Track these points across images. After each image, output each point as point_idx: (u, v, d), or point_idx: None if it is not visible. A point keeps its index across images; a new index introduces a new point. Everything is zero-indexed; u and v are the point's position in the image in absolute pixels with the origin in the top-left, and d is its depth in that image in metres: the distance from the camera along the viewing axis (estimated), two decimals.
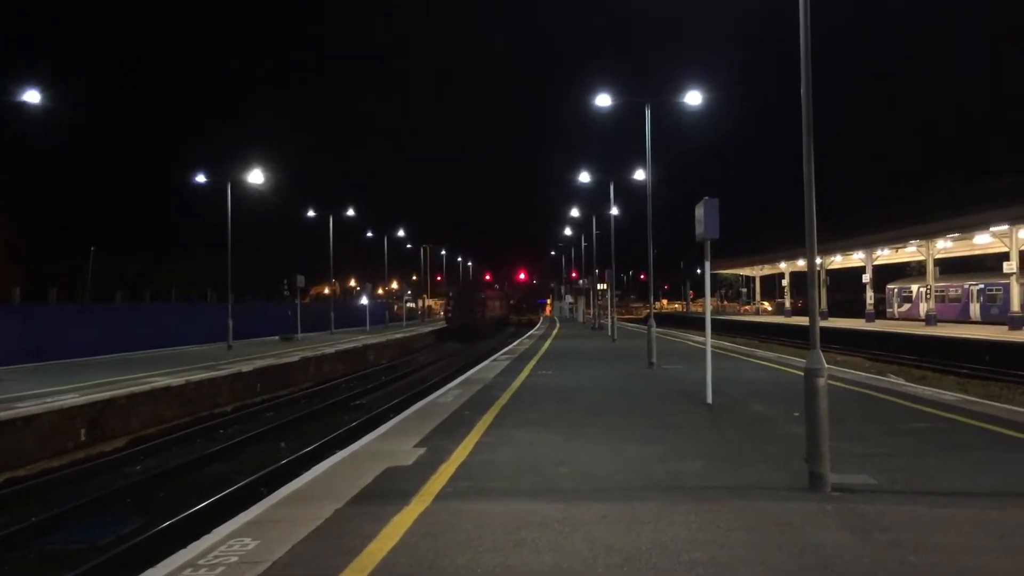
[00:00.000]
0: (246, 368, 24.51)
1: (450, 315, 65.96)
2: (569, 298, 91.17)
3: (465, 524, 6.63)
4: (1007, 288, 40.20)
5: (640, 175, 30.74)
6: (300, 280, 43.72)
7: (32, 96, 22.63)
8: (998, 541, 6.06)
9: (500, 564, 5.60)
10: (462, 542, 6.13)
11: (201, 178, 35.54)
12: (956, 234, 42.20)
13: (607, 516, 6.85)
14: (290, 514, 7.10)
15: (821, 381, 7.81)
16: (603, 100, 22.65)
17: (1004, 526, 6.45)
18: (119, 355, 30.00)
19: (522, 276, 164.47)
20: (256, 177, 34.38)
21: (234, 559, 5.82)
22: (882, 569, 5.45)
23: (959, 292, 50.73)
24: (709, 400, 14.02)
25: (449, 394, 16.65)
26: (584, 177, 38.37)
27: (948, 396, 15.39)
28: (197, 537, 6.74)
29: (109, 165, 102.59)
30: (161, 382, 19.91)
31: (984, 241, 42.79)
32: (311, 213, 54.05)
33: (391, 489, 7.98)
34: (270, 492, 8.55)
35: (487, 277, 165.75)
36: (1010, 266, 37.73)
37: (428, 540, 6.19)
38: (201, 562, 5.80)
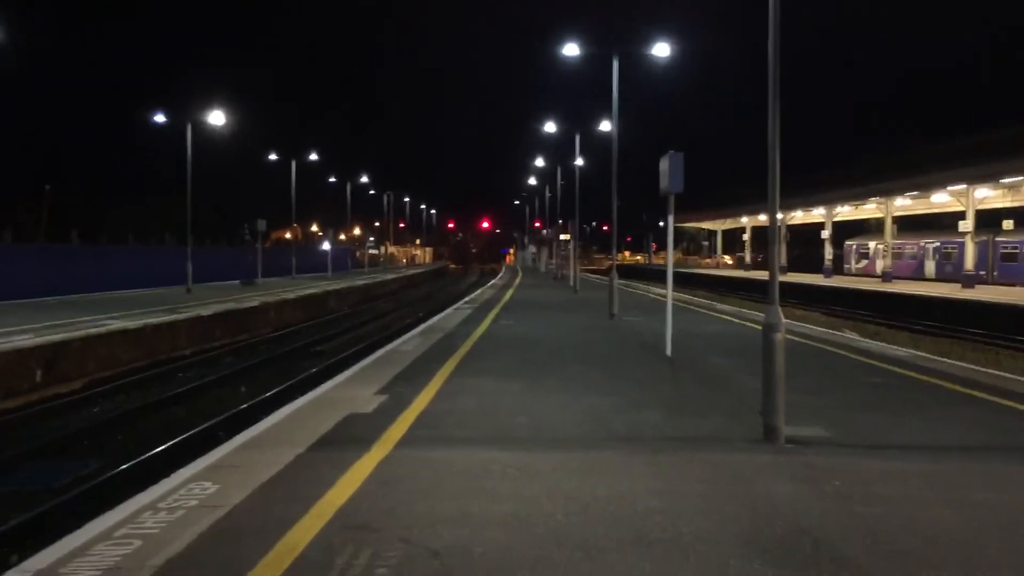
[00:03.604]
0: (205, 312, 24.29)
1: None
2: (532, 248, 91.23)
3: (424, 472, 6.70)
4: (962, 247, 40.94)
5: (607, 127, 30.60)
6: (261, 224, 43.28)
7: None
8: (941, 493, 6.26)
9: (459, 511, 5.67)
10: (421, 489, 6.19)
11: (160, 118, 34.77)
12: (915, 192, 42.77)
13: (565, 465, 6.95)
14: (250, 459, 7.11)
15: (779, 336, 7.94)
16: (570, 50, 22.44)
17: (947, 479, 6.67)
18: (74, 296, 29.56)
19: (485, 225, 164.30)
20: (217, 118, 33.75)
21: (194, 503, 5.83)
22: (830, 519, 5.61)
23: (915, 249, 51.56)
24: (668, 352, 14.19)
25: (410, 342, 16.68)
26: (550, 127, 38.16)
27: (900, 352, 15.72)
28: (156, 481, 6.73)
29: (68, 104, 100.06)
30: (118, 324, 19.69)
31: (942, 200, 43.42)
32: (273, 157, 53.30)
33: (351, 436, 8.02)
34: (229, 437, 8.54)
35: (450, 225, 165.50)
36: (965, 225, 38.38)
37: (387, 487, 6.24)
38: (161, 505, 5.80)
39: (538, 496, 6.06)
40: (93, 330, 18.44)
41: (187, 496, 6.00)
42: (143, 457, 11.06)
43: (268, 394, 15.68)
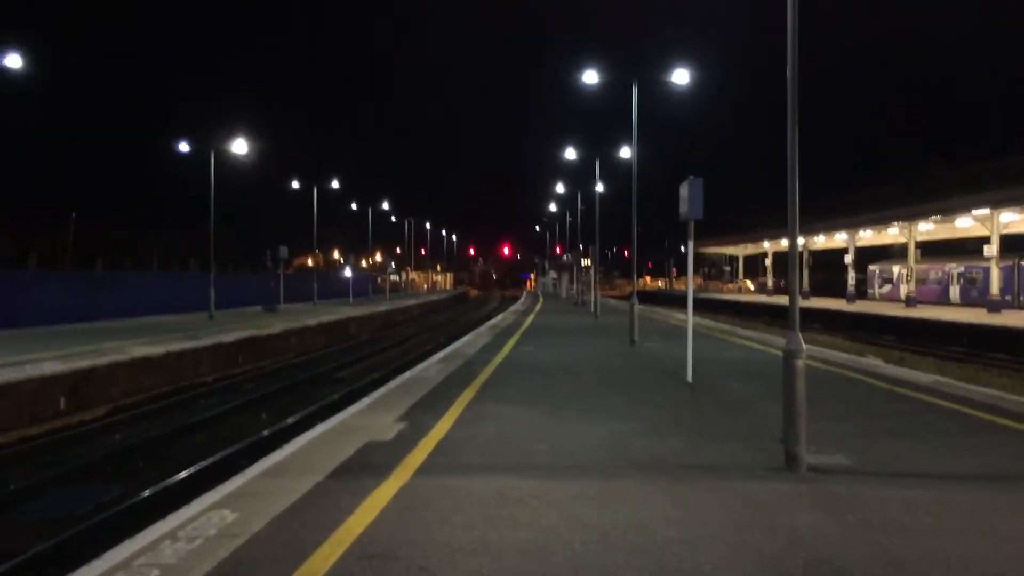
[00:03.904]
0: (227, 339, 24.44)
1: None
2: (553, 273, 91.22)
3: (443, 500, 6.68)
4: (987, 271, 40.57)
5: (626, 152, 30.69)
6: (283, 251, 43.56)
7: (13, 61, 22.31)
8: (964, 523, 6.17)
9: (477, 540, 5.65)
10: (440, 518, 6.18)
11: (184, 147, 35.23)
12: (938, 216, 42.47)
13: (584, 493, 6.92)
14: (269, 487, 7.12)
15: (799, 362, 7.89)
16: (590, 77, 22.58)
17: (971, 508, 6.57)
18: (99, 323, 29.86)
19: (506, 251, 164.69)
20: (240, 147, 34.16)
21: (213, 532, 5.84)
22: (852, 549, 5.54)
23: (940, 274, 51.14)
24: (689, 379, 14.11)
25: (431, 368, 16.69)
26: (570, 153, 38.30)
27: (924, 378, 15.55)
28: (177, 508, 6.76)
29: (93, 133, 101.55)
30: (142, 351, 19.84)
31: (966, 224, 43.08)
32: (295, 185, 53.76)
33: (370, 463, 8.02)
34: (250, 464, 8.57)
35: (471, 251, 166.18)
36: (990, 250, 38.03)
37: (406, 515, 6.23)
38: (180, 533, 5.82)
39: (556, 524, 6.03)
40: (117, 357, 18.59)
41: (207, 524, 6.02)
42: (164, 484, 11.11)
43: (288, 421, 15.73)
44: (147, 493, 10.73)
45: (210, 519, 6.17)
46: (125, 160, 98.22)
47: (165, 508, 7.70)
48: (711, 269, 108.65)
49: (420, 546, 5.50)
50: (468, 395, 12.75)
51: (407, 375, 15.91)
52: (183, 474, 11.68)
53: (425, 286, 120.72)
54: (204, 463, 12.34)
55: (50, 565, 7.91)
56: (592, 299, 42.06)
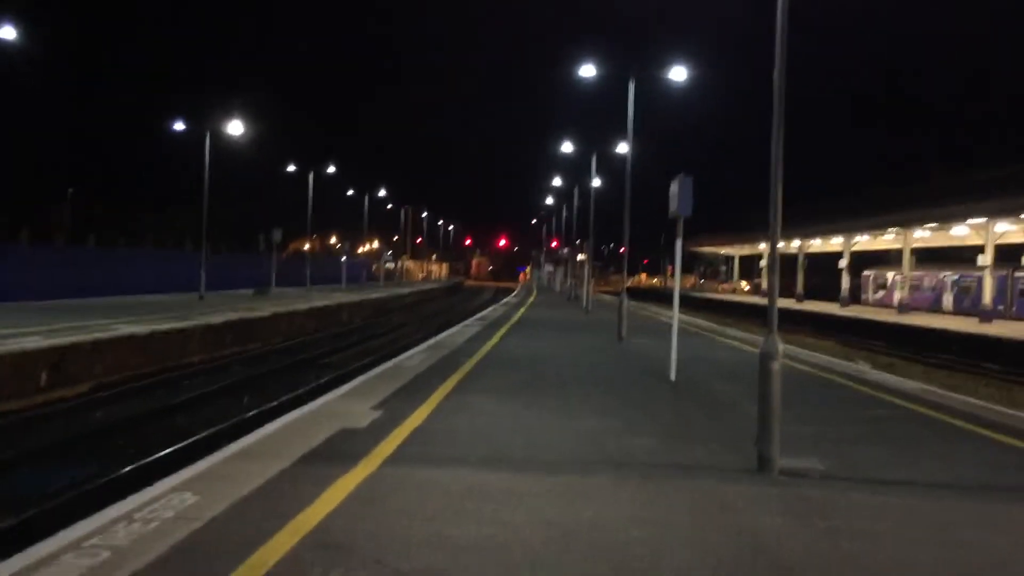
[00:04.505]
0: (216, 320, 24.35)
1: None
2: (548, 267, 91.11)
3: (408, 491, 6.62)
4: (980, 280, 40.55)
5: (623, 148, 30.56)
6: (277, 234, 43.46)
7: (7, 32, 22.13)
8: (931, 532, 6.11)
9: (435, 534, 5.58)
10: (401, 510, 6.10)
11: (180, 126, 35.07)
12: (934, 224, 42.45)
13: (553, 489, 6.85)
14: (236, 471, 7.05)
15: (775, 365, 7.82)
16: (587, 71, 22.46)
17: (939, 517, 6.52)
18: (89, 300, 29.75)
19: (502, 243, 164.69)
20: (236, 128, 34.05)
21: (170, 514, 5.77)
22: (814, 555, 5.48)
23: (933, 282, 51.13)
24: (672, 377, 14.06)
25: (415, 357, 16.63)
26: (567, 147, 38.17)
27: (910, 384, 15.50)
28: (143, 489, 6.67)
29: (90, 108, 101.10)
30: (127, 329, 19.75)
31: (961, 233, 43.05)
32: (292, 168, 53.57)
33: (341, 451, 7.96)
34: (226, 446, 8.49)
35: (467, 241, 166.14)
36: (984, 259, 38.01)
37: (367, 506, 6.16)
38: (137, 515, 5.74)
39: (520, 521, 5.96)
40: (102, 335, 18.50)
41: (165, 507, 5.94)
42: (139, 464, 11.05)
43: (269, 405, 15.65)
44: (120, 472, 10.66)
45: (170, 501, 6.09)
46: (124, 138, 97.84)
47: (137, 488, 7.62)
48: (707, 268, 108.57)
49: (377, 538, 5.43)
50: (449, 385, 12.68)
51: (391, 363, 15.84)
52: (159, 454, 11.62)
53: (420, 275, 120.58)
54: (181, 444, 12.27)
55: (8, 544, 7.81)
56: (584, 294, 41.99)
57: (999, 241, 39.39)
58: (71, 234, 53.24)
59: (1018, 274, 42.98)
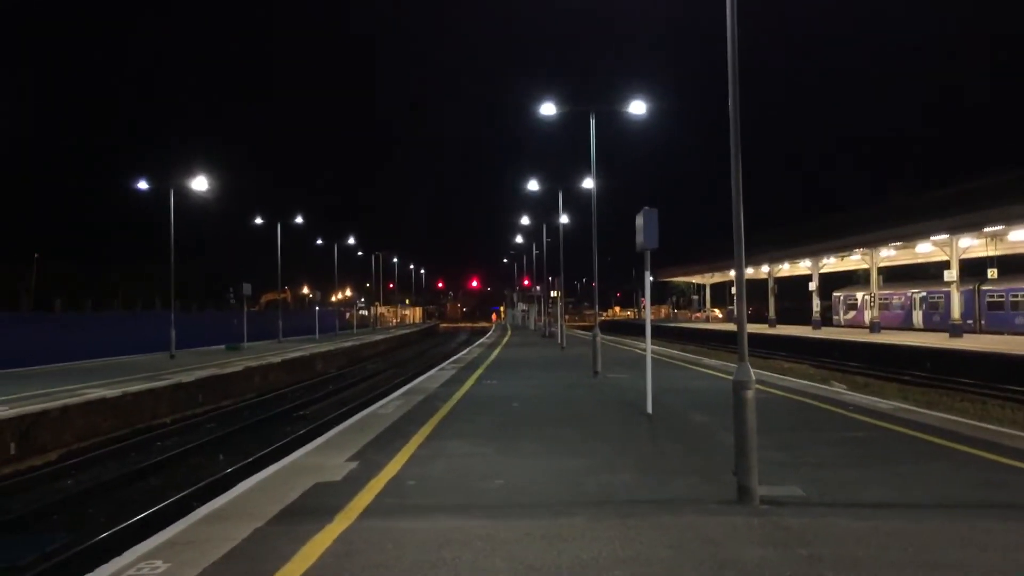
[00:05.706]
0: (187, 378, 24.03)
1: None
2: (522, 305, 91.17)
3: (386, 544, 6.49)
4: (948, 296, 41.00)
5: (589, 183, 30.73)
6: (246, 288, 43.13)
7: None
8: (914, 556, 6.08)
9: None
10: (379, 563, 5.98)
11: (143, 184, 34.83)
12: (899, 243, 42.94)
13: (531, 533, 6.76)
14: (207, 534, 6.89)
15: (749, 393, 7.80)
16: (548, 109, 22.61)
17: (922, 540, 6.48)
18: (58, 365, 29.27)
19: (474, 284, 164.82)
20: (200, 184, 33.84)
21: None
22: None
23: (902, 300, 51.64)
24: (649, 410, 14.01)
25: (390, 405, 16.46)
26: (534, 185, 38.33)
27: (884, 405, 15.56)
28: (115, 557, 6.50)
29: (54, 173, 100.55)
30: (97, 393, 19.43)
31: (926, 250, 43.59)
32: (259, 221, 53.39)
33: (316, 506, 7.81)
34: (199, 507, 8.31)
35: (440, 284, 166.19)
36: (950, 275, 38.45)
37: (344, 561, 6.03)
38: None
39: (499, 568, 5.87)
40: (71, 400, 18.18)
41: None
42: (111, 531, 10.80)
43: (247, 461, 15.41)
44: (92, 541, 10.41)
45: (140, 570, 5.93)
46: (88, 199, 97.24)
47: (105, 559, 7.43)
48: (679, 298, 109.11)
49: None
50: (425, 431, 12.55)
51: (366, 412, 15.67)
52: (131, 521, 11.36)
53: (394, 320, 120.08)
54: (155, 508, 12.02)
55: None
56: (559, 331, 41.96)
57: (964, 256, 39.90)
58: (37, 298, 52.59)
59: (984, 288, 43.53)
